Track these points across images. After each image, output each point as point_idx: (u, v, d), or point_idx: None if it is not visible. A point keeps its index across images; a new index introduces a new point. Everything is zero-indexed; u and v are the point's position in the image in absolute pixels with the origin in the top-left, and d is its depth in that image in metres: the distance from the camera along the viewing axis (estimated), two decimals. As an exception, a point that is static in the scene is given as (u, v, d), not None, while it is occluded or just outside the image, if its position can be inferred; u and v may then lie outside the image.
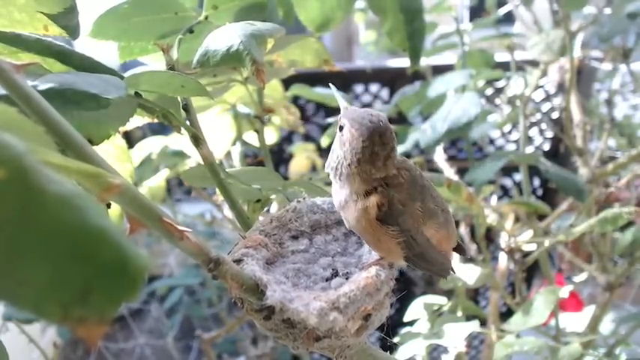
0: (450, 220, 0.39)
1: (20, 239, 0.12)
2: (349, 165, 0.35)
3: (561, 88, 1.07)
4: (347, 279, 0.36)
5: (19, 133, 0.14)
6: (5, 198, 0.12)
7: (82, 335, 0.13)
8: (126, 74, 0.38)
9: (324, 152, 1.14)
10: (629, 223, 0.66)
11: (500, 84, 1.18)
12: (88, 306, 0.13)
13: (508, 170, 1.26)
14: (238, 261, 0.35)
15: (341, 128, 0.36)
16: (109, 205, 0.37)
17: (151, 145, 0.84)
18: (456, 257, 0.92)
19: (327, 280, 0.37)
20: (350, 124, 0.35)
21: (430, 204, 0.37)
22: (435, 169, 1.00)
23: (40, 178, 0.12)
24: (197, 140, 0.42)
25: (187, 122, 0.43)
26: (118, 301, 0.13)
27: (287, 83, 0.74)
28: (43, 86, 0.28)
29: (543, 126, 1.25)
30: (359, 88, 1.28)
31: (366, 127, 0.34)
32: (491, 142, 1.31)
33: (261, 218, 0.44)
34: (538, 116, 1.20)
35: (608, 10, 0.95)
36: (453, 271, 0.41)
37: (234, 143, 0.70)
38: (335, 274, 0.38)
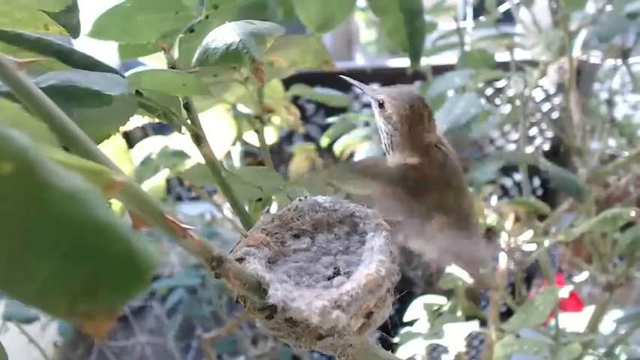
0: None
1: (27, 233, 0.12)
2: (401, 135, 0.37)
3: (561, 88, 1.07)
4: (348, 277, 0.36)
5: (23, 130, 0.14)
6: (12, 191, 0.12)
7: (89, 330, 0.13)
8: (126, 74, 0.38)
9: (324, 152, 1.14)
10: (629, 224, 0.66)
11: (500, 84, 1.18)
12: (95, 301, 0.13)
13: (508, 170, 1.26)
14: (240, 259, 0.35)
15: (381, 105, 0.38)
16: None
17: (151, 145, 0.84)
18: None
19: (329, 279, 0.37)
20: (390, 97, 0.38)
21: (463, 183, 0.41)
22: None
23: (47, 171, 0.12)
24: (198, 139, 0.42)
25: (188, 121, 0.43)
26: (125, 296, 0.13)
27: (287, 83, 0.74)
28: (45, 83, 0.28)
29: (543, 126, 1.25)
30: (359, 88, 1.27)
31: (406, 94, 0.38)
32: (491, 142, 1.31)
33: (262, 217, 0.44)
34: (538, 116, 1.20)
35: (608, 9, 0.95)
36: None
37: (234, 143, 0.70)
38: (337, 273, 0.38)
